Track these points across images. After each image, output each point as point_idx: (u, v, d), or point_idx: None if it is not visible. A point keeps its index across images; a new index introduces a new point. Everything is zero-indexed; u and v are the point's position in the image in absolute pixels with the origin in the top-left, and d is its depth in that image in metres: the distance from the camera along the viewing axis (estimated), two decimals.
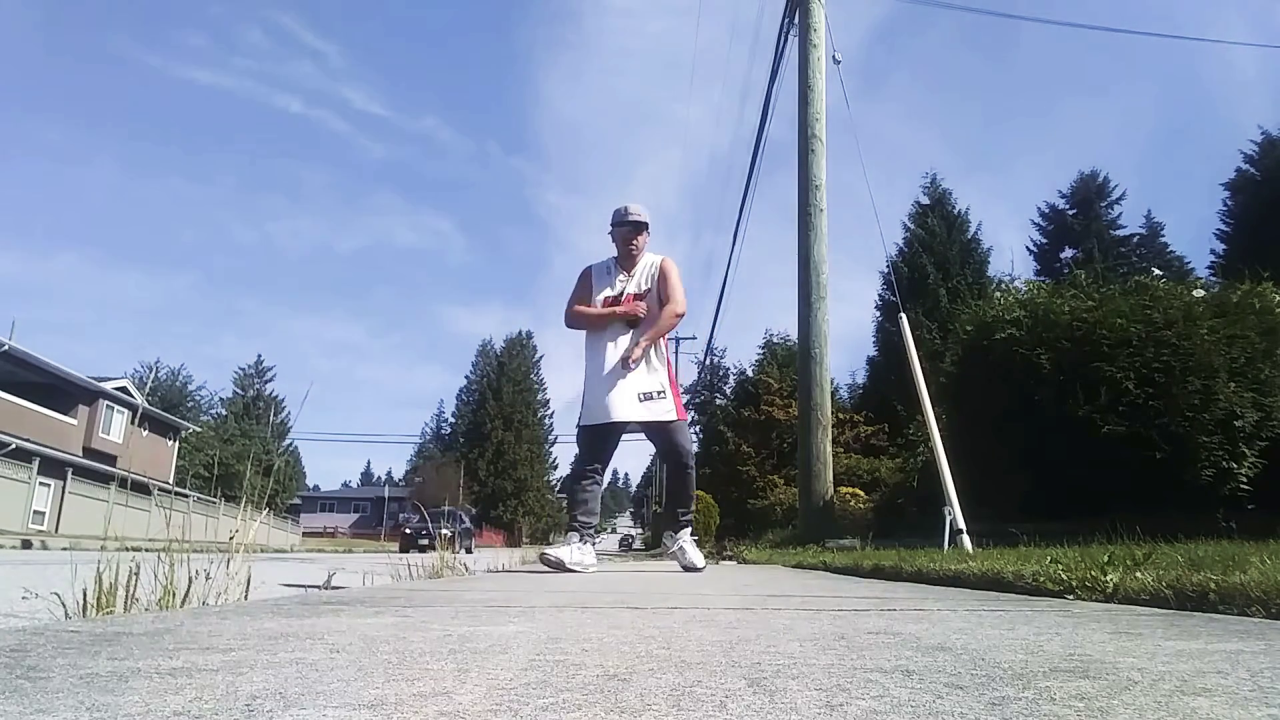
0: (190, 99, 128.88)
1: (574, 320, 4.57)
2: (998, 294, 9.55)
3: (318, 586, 3.41)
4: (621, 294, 4.46)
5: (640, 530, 66.89)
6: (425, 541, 18.54)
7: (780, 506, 19.44)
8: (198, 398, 52.22)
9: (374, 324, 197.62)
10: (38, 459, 21.34)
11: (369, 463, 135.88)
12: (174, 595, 1.93)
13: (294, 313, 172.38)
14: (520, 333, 72.84)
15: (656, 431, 4.40)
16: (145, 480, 19.65)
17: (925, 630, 1.40)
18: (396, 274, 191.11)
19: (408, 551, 16.22)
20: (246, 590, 2.14)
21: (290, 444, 58.00)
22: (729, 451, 26.44)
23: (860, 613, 1.80)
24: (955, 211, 28.94)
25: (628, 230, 4.49)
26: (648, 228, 4.54)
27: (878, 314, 28.67)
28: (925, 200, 29.43)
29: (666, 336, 4.57)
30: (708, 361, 36.91)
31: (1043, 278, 18.96)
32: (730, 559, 9.98)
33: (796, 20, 10.60)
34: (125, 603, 1.83)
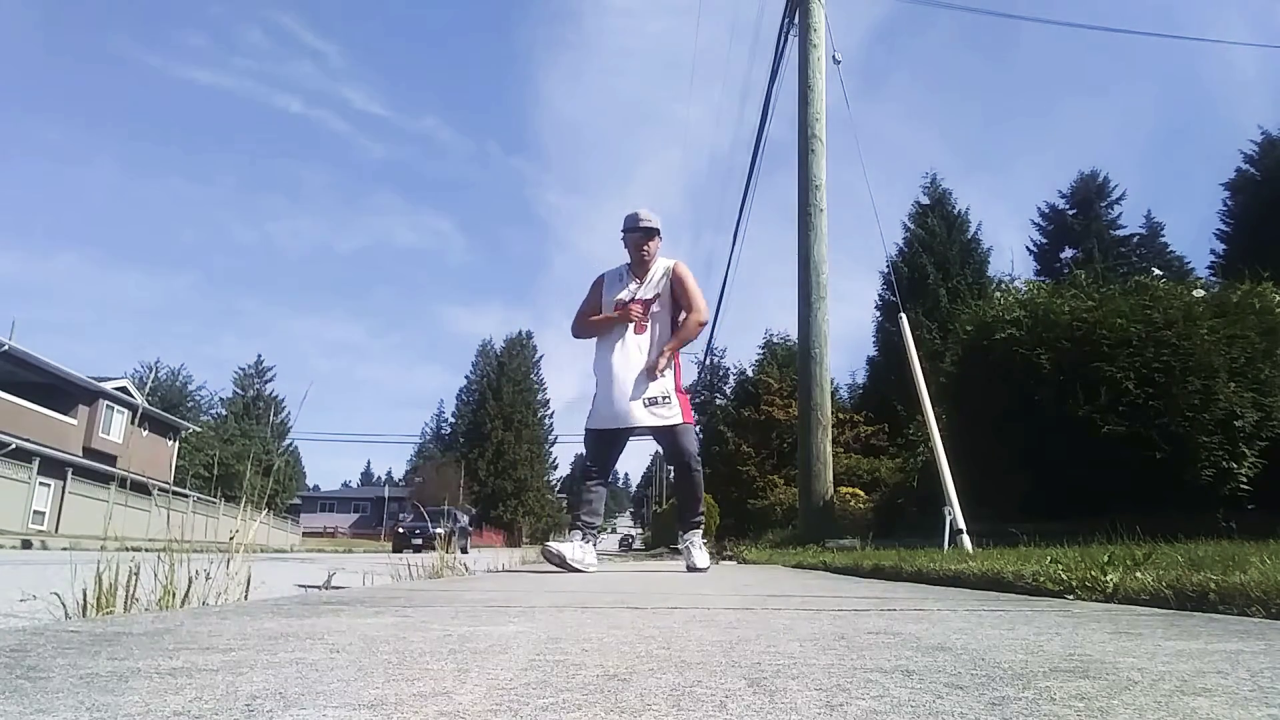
0: (190, 99, 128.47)
1: (580, 331, 4.60)
2: (998, 294, 9.53)
3: (318, 586, 3.41)
4: (632, 299, 4.47)
5: (640, 530, 66.98)
6: (419, 541, 18.51)
7: (780, 506, 19.47)
8: (198, 398, 52.35)
9: (374, 324, 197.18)
10: (38, 459, 21.35)
11: (369, 463, 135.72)
12: (174, 595, 1.93)
13: (294, 313, 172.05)
14: (520, 333, 73.00)
15: (663, 435, 4.43)
16: (145, 480, 19.62)
17: (925, 630, 1.40)
18: (396, 274, 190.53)
19: (401, 551, 16.18)
20: (246, 590, 2.14)
21: (290, 444, 58.09)
22: (729, 451, 26.48)
23: (860, 613, 1.80)
24: (955, 211, 28.98)
25: (639, 236, 4.49)
26: (660, 233, 4.53)
27: (878, 314, 28.76)
28: (925, 200, 29.48)
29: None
30: (708, 361, 36.89)
31: (1043, 278, 18.97)
32: (730, 559, 9.98)
33: (796, 20, 10.60)
34: (125, 603, 1.83)
